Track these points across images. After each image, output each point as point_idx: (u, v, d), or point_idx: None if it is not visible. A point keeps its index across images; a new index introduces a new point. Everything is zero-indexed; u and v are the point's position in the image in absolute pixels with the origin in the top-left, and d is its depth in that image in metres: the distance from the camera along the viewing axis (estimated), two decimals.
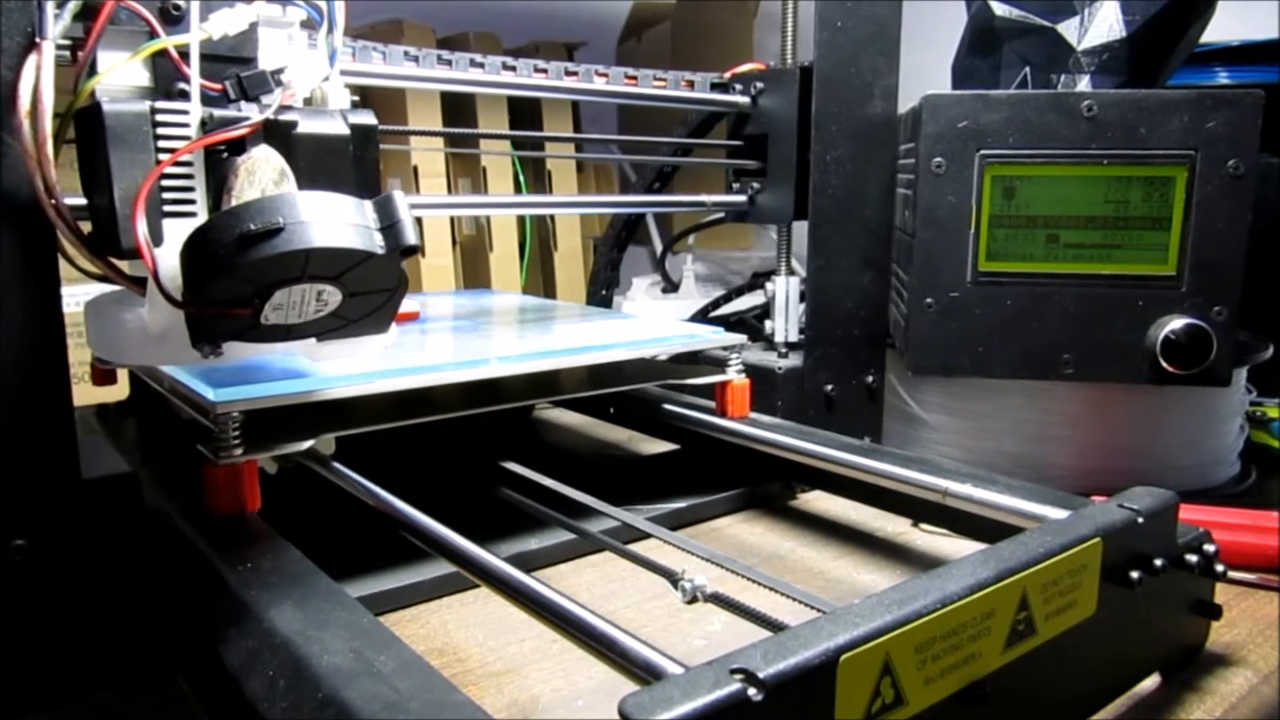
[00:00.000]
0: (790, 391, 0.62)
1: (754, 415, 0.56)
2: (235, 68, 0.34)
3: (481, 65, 0.55)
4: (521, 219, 1.52)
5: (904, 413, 0.65)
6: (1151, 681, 0.38)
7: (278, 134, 0.34)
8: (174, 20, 0.33)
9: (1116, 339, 0.55)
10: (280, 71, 0.34)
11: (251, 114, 0.33)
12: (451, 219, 1.45)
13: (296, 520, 0.40)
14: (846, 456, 0.48)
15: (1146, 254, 0.54)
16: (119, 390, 0.59)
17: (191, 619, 0.36)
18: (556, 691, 0.36)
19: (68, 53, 0.33)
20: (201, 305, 0.31)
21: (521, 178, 1.51)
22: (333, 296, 0.33)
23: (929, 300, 0.57)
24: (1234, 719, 0.36)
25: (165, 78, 0.33)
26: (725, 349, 0.55)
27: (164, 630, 0.38)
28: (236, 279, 0.30)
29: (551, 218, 1.55)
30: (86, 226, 0.33)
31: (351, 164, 0.36)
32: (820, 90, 0.61)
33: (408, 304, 0.44)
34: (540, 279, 1.58)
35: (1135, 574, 0.34)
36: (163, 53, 0.33)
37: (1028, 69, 0.62)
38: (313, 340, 0.36)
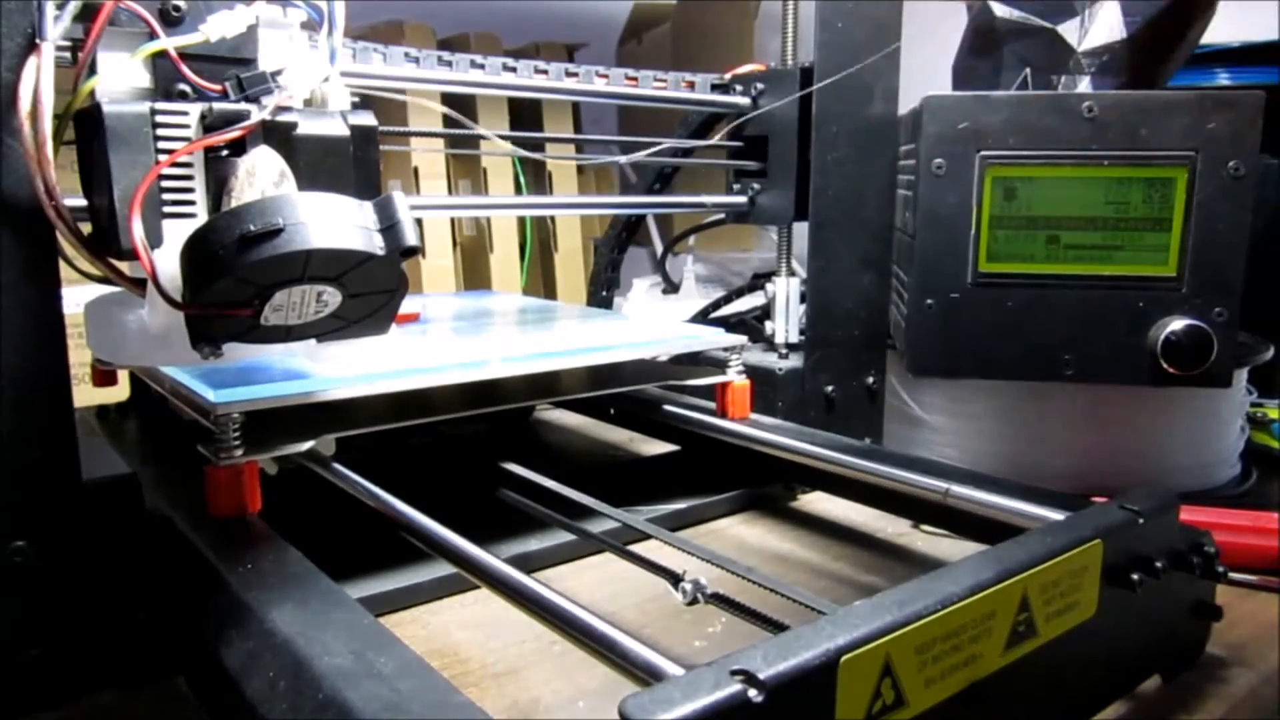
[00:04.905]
0: (791, 392, 0.62)
1: (754, 416, 0.56)
2: (235, 69, 0.34)
3: (482, 66, 0.55)
4: (522, 220, 1.52)
5: (904, 414, 0.65)
6: (1152, 683, 0.38)
7: (277, 135, 0.34)
8: (173, 21, 0.33)
9: (1117, 340, 0.55)
10: (280, 72, 0.34)
11: (251, 114, 0.33)
12: (452, 220, 1.45)
13: (297, 521, 0.39)
14: (847, 458, 0.48)
15: (1147, 255, 0.54)
16: (119, 391, 0.59)
17: (192, 620, 0.35)
18: (557, 693, 0.36)
19: (68, 54, 0.33)
20: (201, 306, 0.31)
21: (522, 179, 1.51)
22: (333, 297, 0.33)
23: (929, 301, 0.57)
24: None
25: (165, 79, 0.33)
26: (726, 350, 0.55)
27: (164, 631, 0.38)
28: (236, 280, 0.30)
29: (552, 219, 1.55)
30: (87, 227, 0.33)
31: (352, 165, 0.36)
32: (821, 91, 0.61)
33: (408, 305, 0.44)
34: (540, 280, 1.58)
35: (1136, 575, 0.34)
36: (162, 54, 0.33)
37: (1028, 70, 0.62)
38: (313, 341, 0.35)
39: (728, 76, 0.67)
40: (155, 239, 0.32)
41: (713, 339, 0.55)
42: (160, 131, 0.32)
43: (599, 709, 0.35)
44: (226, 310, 0.32)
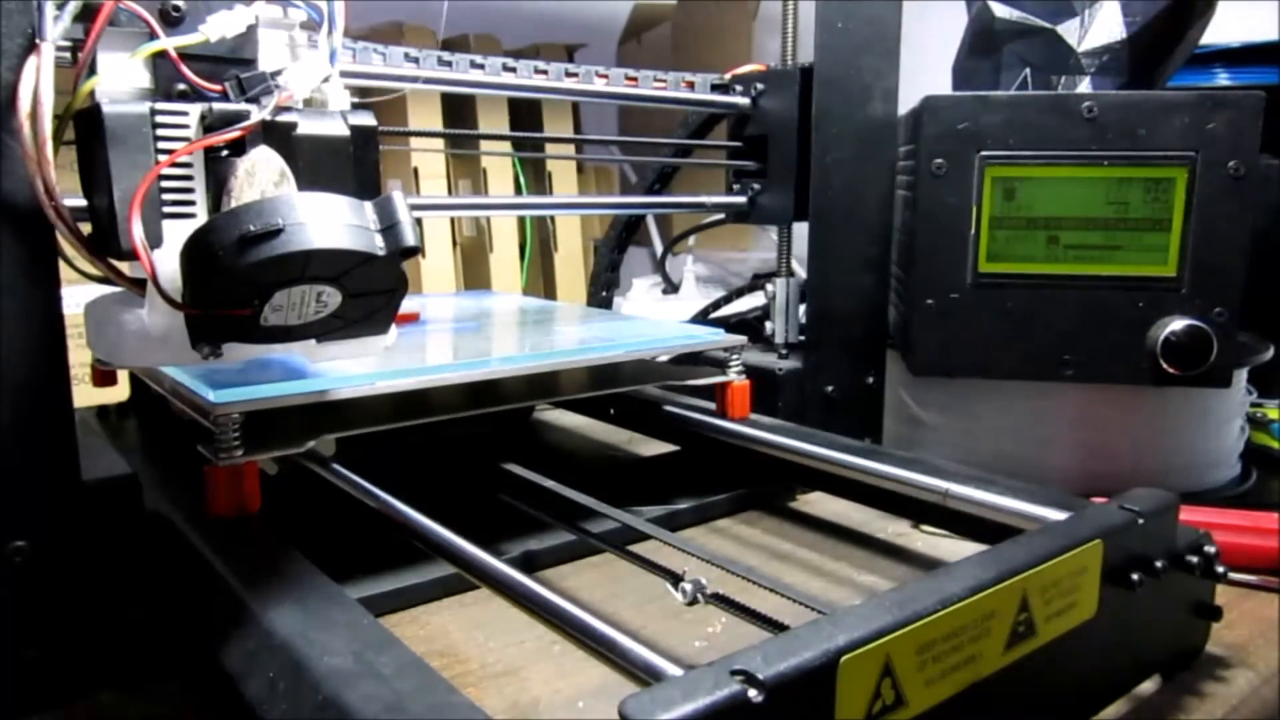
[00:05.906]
0: (790, 393, 0.62)
1: (754, 416, 0.56)
2: (235, 69, 0.34)
3: (482, 66, 0.55)
4: (522, 220, 1.52)
5: (904, 414, 0.65)
6: (1152, 683, 0.38)
7: (277, 135, 0.34)
8: (173, 21, 0.33)
9: (1117, 340, 0.55)
10: (280, 72, 0.34)
11: (251, 114, 0.33)
12: (452, 220, 1.45)
13: (297, 522, 0.39)
14: (847, 458, 0.48)
15: (1147, 255, 0.54)
16: (119, 391, 0.59)
17: (192, 620, 0.36)
18: (557, 693, 0.36)
19: (68, 54, 0.33)
20: (201, 306, 0.31)
21: (522, 179, 1.51)
22: (332, 298, 0.33)
23: (929, 301, 0.57)
24: None
25: (165, 79, 0.33)
26: (725, 350, 0.55)
27: (164, 632, 0.38)
28: (236, 280, 0.30)
29: (552, 219, 1.55)
30: (86, 227, 0.33)
31: (351, 165, 0.36)
32: (820, 91, 0.61)
33: (408, 305, 0.44)
34: (541, 280, 1.58)
35: (1136, 575, 0.34)
36: (162, 54, 0.32)
37: (1028, 70, 0.62)
38: (313, 341, 0.35)
39: (728, 76, 0.67)
40: (155, 239, 0.32)
41: (713, 339, 0.55)
42: (160, 132, 0.32)
43: (599, 709, 0.35)
44: (226, 310, 0.32)
